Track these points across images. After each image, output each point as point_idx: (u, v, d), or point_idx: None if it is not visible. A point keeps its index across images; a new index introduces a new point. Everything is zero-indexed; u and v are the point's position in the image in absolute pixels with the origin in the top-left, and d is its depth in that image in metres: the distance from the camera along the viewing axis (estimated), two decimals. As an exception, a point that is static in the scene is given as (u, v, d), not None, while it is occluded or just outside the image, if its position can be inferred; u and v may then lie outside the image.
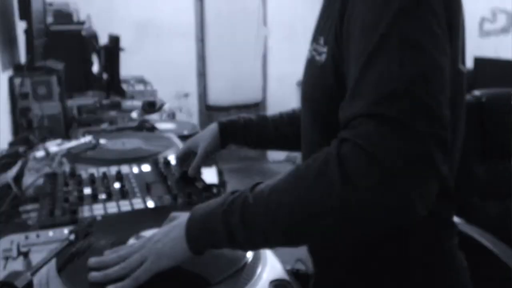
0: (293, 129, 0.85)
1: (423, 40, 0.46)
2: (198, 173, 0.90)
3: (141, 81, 2.34)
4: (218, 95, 3.80)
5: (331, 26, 0.55)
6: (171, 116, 1.74)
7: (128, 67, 2.46)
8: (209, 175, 0.91)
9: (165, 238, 0.53)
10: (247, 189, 0.52)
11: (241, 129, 0.86)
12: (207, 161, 0.90)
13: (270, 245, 0.53)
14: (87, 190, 0.83)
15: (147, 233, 0.60)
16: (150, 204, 0.79)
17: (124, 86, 2.13)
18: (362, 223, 0.45)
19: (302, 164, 0.50)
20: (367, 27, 0.48)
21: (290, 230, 0.48)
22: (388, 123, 0.43)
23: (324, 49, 0.56)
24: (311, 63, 0.60)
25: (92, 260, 0.54)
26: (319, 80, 0.57)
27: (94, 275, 0.52)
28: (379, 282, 0.59)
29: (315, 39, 0.61)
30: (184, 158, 0.89)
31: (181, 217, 0.54)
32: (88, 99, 1.87)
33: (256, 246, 0.54)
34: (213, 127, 0.86)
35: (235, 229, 0.49)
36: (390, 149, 0.42)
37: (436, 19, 0.47)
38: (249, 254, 0.58)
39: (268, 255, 0.62)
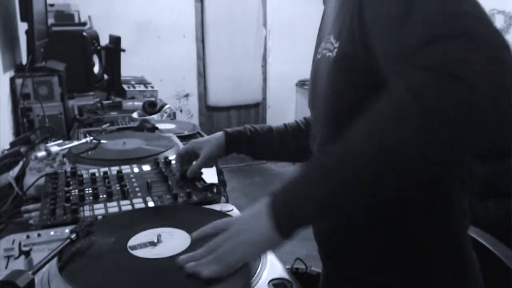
0: (298, 142, 0.86)
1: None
2: (199, 173, 0.90)
3: (142, 81, 2.35)
4: (218, 95, 3.80)
5: (343, 22, 0.54)
6: (172, 117, 1.74)
7: (129, 68, 2.47)
8: (209, 175, 0.91)
9: (246, 230, 0.52)
10: (319, 157, 0.50)
11: (246, 140, 0.87)
12: (210, 161, 0.91)
13: (358, 199, 0.48)
14: (88, 190, 0.84)
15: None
16: (151, 203, 0.79)
17: (125, 87, 2.14)
18: (442, 152, 0.43)
19: (369, 112, 0.46)
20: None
21: (376, 171, 0.45)
22: (459, 39, 0.41)
23: (336, 45, 0.56)
24: (322, 62, 0.60)
25: (181, 258, 0.53)
26: (332, 76, 0.57)
27: (190, 265, 0.52)
28: (389, 274, 0.60)
29: (322, 39, 0.61)
30: (185, 156, 0.90)
31: (256, 207, 0.53)
32: (89, 100, 1.87)
33: (343, 206, 0.49)
34: (219, 136, 0.87)
35: (318, 187, 0.47)
36: (465, 57, 0.41)
37: None
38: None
39: (268, 254, 0.63)
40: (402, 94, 0.43)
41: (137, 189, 0.85)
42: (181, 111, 3.73)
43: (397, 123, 0.43)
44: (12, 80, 1.54)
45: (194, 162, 0.88)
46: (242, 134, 0.87)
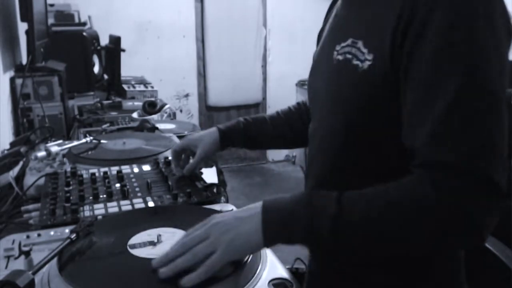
0: (292, 127, 0.86)
1: (499, 88, 0.49)
2: (199, 173, 0.90)
3: (142, 81, 2.35)
4: (218, 95, 3.80)
5: (381, 34, 0.52)
6: (172, 117, 1.74)
7: (129, 68, 2.47)
8: (209, 175, 0.91)
9: (236, 230, 0.52)
10: (332, 197, 0.51)
11: (240, 133, 0.87)
12: (207, 161, 0.91)
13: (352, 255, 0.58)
14: (88, 190, 0.84)
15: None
16: (151, 203, 0.79)
17: (125, 87, 2.14)
18: (443, 246, 0.54)
19: (393, 190, 0.51)
20: (441, 70, 0.48)
21: (379, 253, 0.55)
22: (475, 175, 0.47)
23: (369, 56, 0.54)
24: (345, 66, 0.58)
25: (155, 261, 0.52)
26: (358, 87, 0.56)
27: (162, 271, 0.51)
28: (388, 273, 0.60)
29: (343, 39, 0.59)
30: (181, 152, 0.90)
31: (251, 209, 0.53)
32: (89, 100, 1.87)
33: (335, 252, 0.56)
34: (213, 132, 0.87)
35: (323, 239, 0.50)
36: (478, 201, 0.48)
37: (504, 54, 0.50)
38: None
39: (268, 254, 0.63)
40: (431, 197, 0.48)
41: (137, 189, 0.85)
42: (181, 111, 3.73)
43: (417, 217, 0.49)
44: (12, 80, 1.54)
45: (190, 161, 0.88)
46: (235, 128, 0.87)
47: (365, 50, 0.55)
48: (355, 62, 0.56)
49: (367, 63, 0.54)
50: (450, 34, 0.48)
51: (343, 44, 0.59)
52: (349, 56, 0.57)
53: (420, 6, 0.49)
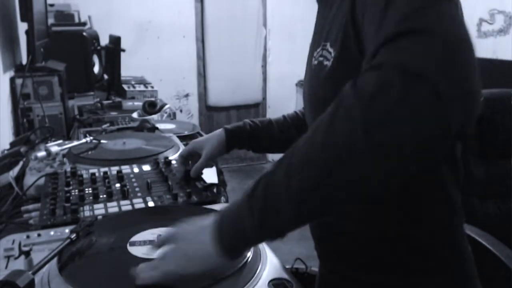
0: (298, 132, 0.86)
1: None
2: (199, 173, 0.90)
3: (142, 81, 2.35)
4: (218, 95, 3.80)
5: (338, 30, 0.54)
6: (172, 117, 1.74)
7: (129, 68, 2.47)
8: (209, 175, 0.91)
9: (193, 241, 0.49)
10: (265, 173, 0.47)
11: (247, 136, 0.86)
12: (213, 160, 0.90)
13: (298, 215, 0.45)
14: (88, 190, 0.84)
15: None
16: (151, 203, 0.79)
17: (125, 87, 2.14)
18: (395, 152, 0.39)
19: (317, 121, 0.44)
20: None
21: (316, 185, 0.42)
22: (420, 35, 0.39)
23: (333, 54, 0.56)
24: (318, 69, 0.59)
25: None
26: (327, 84, 0.57)
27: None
28: (387, 273, 0.60)
29: (318, 44, 0.61)
30: (188, 157, 0.90)
31: (206, 219, 0.50)
32: (89, 100, 1.87)
33: (286, 223, 0.45)
34: (219, 133, 0.86)
35: (259, 207, 0.44)
36: (419, 58, 0.38)
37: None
38: (249, 253, 0.58)
39: (268, 254, 0.63)
40: (350, 103, 0.40)
41: (137, 189, 0.85)
42: (181, 111, 3.73)
43: (333, 121, 0.41)
44: (12, 80, 1.54)
45: (197, 163, 0.88)
46: (242, 130, 0.87)
47: (331, 50, 0.56)
48: (325, 62, 0.57)
49: (331, 60, 0.56)
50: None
51: (318, 50, 0.61)
52: (321, 58, 0.59)
53: None
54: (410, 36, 0.40)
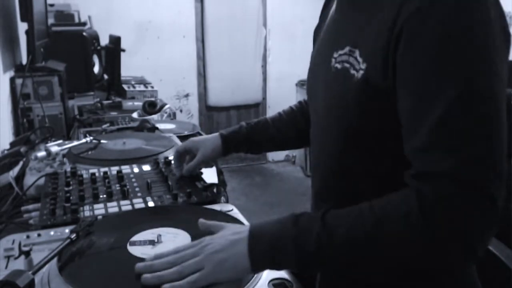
0: (296, 127, 0.86)
1: (497, 95, 0.47)
2: (199, 173, 0.90)
3: (142, 81, 2.35)
4: (218, 95, 3.80)
5: (375, 44, 0.52)
6: (172, 117, 1.74)
7: (129, 68, 2.47)
8: (209, 175, 0.91)
9: (226, 252, 0.52)
10: (317, 218, 0.51)
11: (243, 140, 0.86)
12: (207, 163, 0.91)
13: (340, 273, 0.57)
14: (88, 190, 0.84)
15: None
16: (151, 203, 0.79)
17: (125, 87, 2.14)
18: (431, 268, 0.50)
19: (378, 209, 0.49)
20: (439, 73, 0.47)
21: (362, 269, 0.52)
22: (468, 188, 0.45)
23: (363, 66, 0.54)
24: (343, 75, 0.57)
25: (140, 265, 0.53)
26: (353, 96, 0.55)
27: (146, 277, 0.51)
28: (387, 274, 0.60)
29: (341, 46, 0.58)
30: (183, 154, 0.90)
31: (240, 233, 0.53)
32: (89, 100, 1.87)
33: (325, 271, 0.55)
34: (215, 138, 0.86)
35: (309, 261, 0.50)
36: (468, 213, 0.46)
37: (501, 62, 0.48)
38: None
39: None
40: (414, 210, 0.46)
41: (137, 189, 0.85)
42: (181, 111, 3.73)
43: (402, 236, 0.47)
44: (12, 80, 1.54)
45: (190, 163, 0.88)
46: (238, 134, 0.86)
47: (360, 59, 0.55)
48: (352, 71, 0.56)
49: (361, 72, 0.54)
50: (442, 44, 0.47)
51: (340, 52, 0.59)
52: (346, 65, 0.57)
53: (413, 17, 0.48)
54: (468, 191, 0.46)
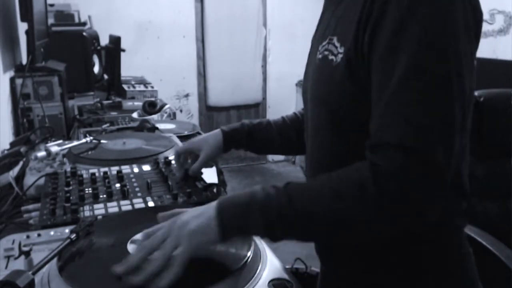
0: (297, 134, 0.86)
1: (457, 69, 0.49)
2: (199, 173, 0.90)
3: (142, 81, 2.35)
4: (218, 95, 3.80)
5: (350, 27, 0.55)
6: (172, 117, 1.74)
7: (129, 68, 2.47)
8: (209, 175, 0.91)
9: (194, 220, 0.53)
10: (280, 188, 0.54)
11: (244, 137, 0.86)
12: (208, 162, 0.90)
13: (306, 240, 0.57)
14: (88, 190, 0.84)
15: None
16: (151, 203, 0.79)
17: (125, 87, 2.14)
18: (388, 233, 0.54)
19: (335, 177, 0.53)
20: (396, 50, 0.49)
21: (325, 236, 0.55)
22: (415, 157, 0.48)
23: (341, 50, 0.56)
24: (323, 63, 0.60)
25: (118, 269, 0.52)
26: (334, 80, 0.57)
27: (136, 279, 0.51)
28: (388, 274, 0.60)
29: (324, 38, 0.61)
30: (185, 155, 0.90)
31: (206, 206, 0.55)
32: (89, 100, 1.87)
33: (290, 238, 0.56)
34: (217, 133, 0.86)
35: (273, 228, 0.52)
36: (416, 183, 0.48)
37: (470, 42, 0.51)
38: (249, 254, 0.58)
39: (268, 254, 0.63)
40: (368, 182, 0.49)
41: (137, 189, 0.85)
42: (181, 111, 3.73)
43: (358, 205, 0.50)
44: (12, 80, 1.54)
45: (195, 164, 0.88)
46: (240, 131, 0.86)
47: (338, 44, 0.57)
48: (331, 57, 0.58)
49: (340, 56, 0.56)
50: (403, 21, 0.49)
51: (323, 43, 0.61)
52: (326, 53, 0.60)
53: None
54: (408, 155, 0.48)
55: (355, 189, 0.50)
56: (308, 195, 0.52)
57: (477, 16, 0.53)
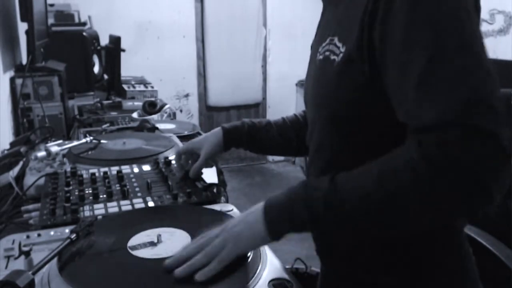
0: (297, 135, 0.86)
1: (476, 42, 0.48)
2: (199, 173, 0.90)
3: (142, 81, 2.35)
4: (218, 95, 3.80)
5: (352, 27, 0.54)
6: (172, 117, 1.74)
7: (129, 68, 2.47)
8: (209, 175, 0.91)
9: (242, 223, 0.55)
10: (326, 179, 0.52)
11: (245, 135, 0.86)
12: (208, 162, 0.90)
13: (350, 231, 0.54)
14: (88, 190, 0.84)
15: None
16: (151, 203, 0.79)
17: (125, 87, 2.14)
18: (448, 214, 0.50)
19: (382, 165, 0.50)
20: (414, 41, 0.49)
21: (376, 225, 0.51)
22: (468, 129, 0.45)
23: (343, 49, 0.56)
24: (324, 63, 0.60)
25: (169, 262, 0.54)
26: (335, 79, 0.57)
27: (179, 270, 0.52)
28: (389, 274, 0.60)
29: (324, 39, 0.61)
30: (185, 156, 0.90)
31: (255, 208, 0.56)
32: (89, 100, 1.87)
33: (336, 229, 0.54)
34: (217, 132, 0.86)
35: (320, 219, 0.51)
36: (474, 156, 0.45)
37: (477, 22, 0.51)
38: (249, 254, 0.58)
39: (268, 254, 0.63)
40: (419, 164, 0.46)
41: (137, 189, 0.85)
42: (181, 111, 3.73)
43: (411, 188, 0.47)
44: (12, 80, 1.54)
45: (196, 163, 0.88)
46: (240, 130, 0.86)
47: (339, 44, 0.57)
48: (332, 57, 0.58)
49: (341, 55, 0.56)
50: (414, 10, 0.49)
51: (323, 44, 0.61)
52: (327, 53, 0.59)
53: None
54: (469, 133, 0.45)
55: (405, 172, 0.47)
56: (354, 180, 0.51)
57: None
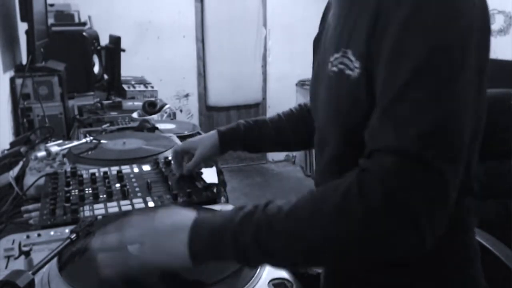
0: (294, 129, 0.86)
1: (457, 77, 0.46)
2: (199, 173, 0.90)
3: (142, 81, 2.35)
4: (218, 95, 3.80)
5: (361, 39, 0.53)
6: (172, 117, 1.74)
7: (129, 68, 2.47)
8: (209, 175, 0.91)
9: (166, 237, 0.51)
10: (259, 208, 0.50)
11: (241, 137, 0.86)
12: (207, 162, 0.91)
13: (282, 266, 0.54)
14: (88, 190, 0.84)
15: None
16: (151, 203, 0.79)
17: (125, 87, 2.14)
18: (376, 254, 0.47)
19: (318, 191, 0.49)
20: (400, 54, 0.47)
21: (303, 258, 0.49)
22: (412, 162, 0.44)
23: (357, 64, 0.54)
24: (339, 77, 0.58)
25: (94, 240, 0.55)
26: (353, 95, 0.55)
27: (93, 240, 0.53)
28: (393, 273, 0.60)
29: (337, 49, 0.59)
30: (181, 154, 0.90)
31: (185, 219, 0.52)
32: (89, 100, 1.87)
33: (265, 264, 0.53)
34: (212, 135, 0.86)
35: (247, 249, 0.48)
36: (410, 190, 0.43)
37: (471, 56, 0.47)
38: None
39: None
40: (352, 186, 0.45)
41: (137, 189, 0.85)
42: (181, 111, 3.73)
43: (334, 217, 0.45)
44: (12, 80, 1.54)
45: (189, 162, 0.88)
46: (236, 132, 0.86)
47: (353, 59, 0.55)
48: (347, 72, 0.56)
49: (357, 71, 0.54)
50: (407, 27, 0.47)
51: (336, 55, 0.59)
52: (341, 66, 0.58)
53: (387, 3, 0.49)
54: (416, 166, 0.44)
55: (338, 197, 0.45)
56: (287, 208, 0.48)
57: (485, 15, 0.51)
